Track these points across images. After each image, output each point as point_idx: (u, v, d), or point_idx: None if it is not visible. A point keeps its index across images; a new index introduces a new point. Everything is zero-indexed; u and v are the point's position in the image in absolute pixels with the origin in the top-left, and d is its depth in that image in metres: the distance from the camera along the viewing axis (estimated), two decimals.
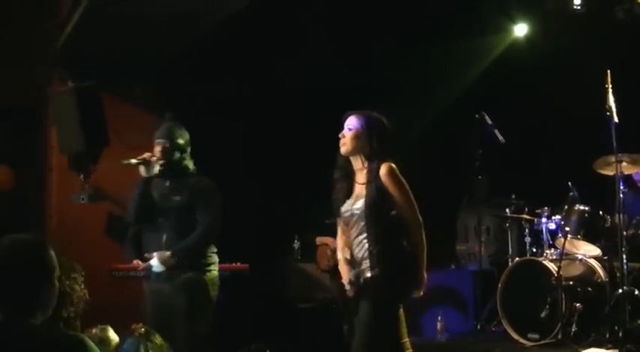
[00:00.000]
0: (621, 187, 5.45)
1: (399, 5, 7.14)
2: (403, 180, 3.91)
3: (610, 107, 5.23)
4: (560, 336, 5.52)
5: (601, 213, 5.96)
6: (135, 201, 4.67)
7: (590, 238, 5.97)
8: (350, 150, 3.98)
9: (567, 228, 5.85)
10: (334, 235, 4.27)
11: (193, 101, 6.69)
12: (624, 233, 5.37)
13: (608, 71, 5.25)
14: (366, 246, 3.88)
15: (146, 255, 4.61)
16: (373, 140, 3.95)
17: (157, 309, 4.63)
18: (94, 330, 3.32)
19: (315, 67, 7.12)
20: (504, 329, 5.90)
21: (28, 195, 6.52)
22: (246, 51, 7.03)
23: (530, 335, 5.70)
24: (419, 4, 7.23)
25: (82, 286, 2.96)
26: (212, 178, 4.74)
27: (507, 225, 6.92)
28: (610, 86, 5.23)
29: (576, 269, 5.94)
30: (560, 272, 5.62)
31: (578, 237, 5.94)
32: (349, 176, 4.03)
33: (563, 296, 5.59)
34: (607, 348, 5.13)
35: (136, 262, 4.68)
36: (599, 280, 5.79)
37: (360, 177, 3.98)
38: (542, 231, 6.26)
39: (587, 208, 5.96)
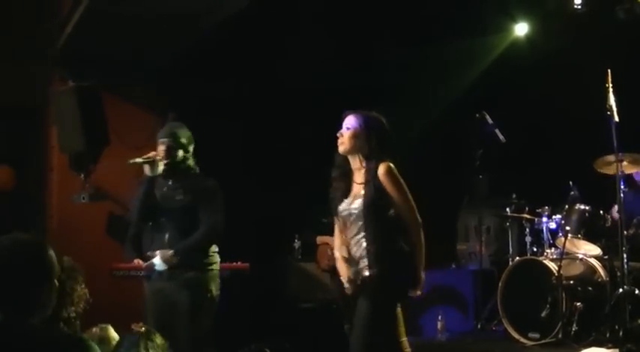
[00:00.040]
0: (622, 187, 5.45)
1: (399, 5, 7.14)
2: (401, 180, 3.92)
3: (610, 106, 5.23)
4: (560, 336, 5.52)
5: (601, 212, 5.97)
6: (139, 200, 4.67)
7: (590, 237, 5.97)
8: (348, 150, 3.99)
9: (568, 228, 5.85)
10: (334, 234, 4.28)
11: (193, 101, 6.70)
12: (625, 232, 5.37)
13: (609, 71, 5.25)
14: (364, 244, 3.89)
15: (149, 253, 4.62)
16: (371, 140, 3.95)
17: (158, 309, 4.64)
18: (93, 329, 3.32)
19: (315, 66, 7.13)
20: (505, 329, 5.90)
21: (28, 194, 6.52)
22: (246, 51, 7.03)
23: (530, 335, 5.70)
24: (419, 4, 7.23)
25: (83, 286, 2.95)
26: (212, 178, 4.75)
27: (508, 224, 6.92)
28: (611, 85, 5.23)
29: (577, 269, 5.94)
30: (561, 272, 5.62)
31: (579, 236, 5.94)
32: (347, 175, 4.04)
33: (564, 295, 5.59)
34: (607, 348, 5.12)
35: (137, 261, 4.68)
36: (599, 279, 5.79)
37: (358, 176, 3.99)
38: (542, 230, 6.25)
39: (587, 208, 5.96)
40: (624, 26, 6.34)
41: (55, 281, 2.37)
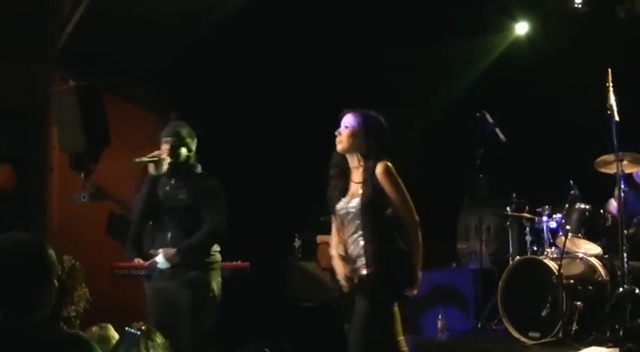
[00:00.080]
0: (622, 186, 5.45)
1: (398, 5, 7.14)
2: (399, 179, 3.92)
3: (611, 106, 5.23)
4: (560, 335, 5.51)
5: (602, 211, 5.97)
6: (142, 199, 4.69)
7: (590, 237, 5.96)
8: (346, 148, 3.99)
9: (568, 227, 5.85)
10: (332, 233, 4.28)
11: (194, 101, 6.70)
12: (625, 232, 5.36)
13: (609, 70, 5.25)
14: (361, 243, 3.90)
15: (151, 251, 4.63)
16: (370, 138, 3.96)
17: (160, 308, 4.65)
18: (93, 328, 3.33)
19: (315, 66, 7.13)
20: (505, 328, 5.90)
21: (29, 194, 6.52)
22: (246, 51, 7.04)
23: (531, 334, 5.70)
24: (419, 4, 7.23)
25: (83, 285, 2.96)
26: (215, 178, 4.77)
27: (508, 223, 6.92)
28: (611, 85, 5.23)
29: (577, 268, 5.93)
30: (561, 271, 5.62)
31: (579, 235, 5.93)
32: (345, 174, 4.05)
33: (564, 294, 5.59)
34: (608, 347, 5.12)
35: (137, 261, 4.69)
36: (599, 279, 5.79)
37: (356, 175, 3.99)
38: (542, 229, 6.25)
39: (587, 207, 5.95)
40: (624, 26, 6.34)
41: (55, 280, 2.37)
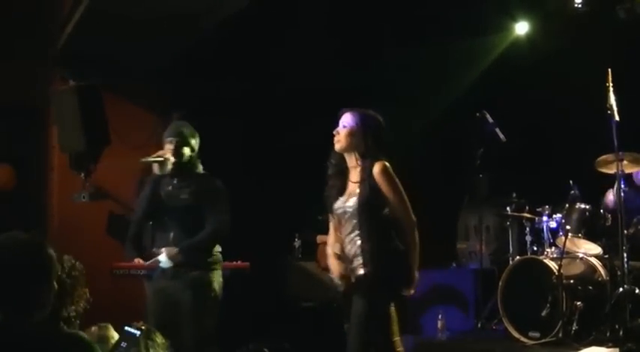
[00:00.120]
0: (622, 186, 5.45)
1: (399, 5, 7.14)
2: (396, 179, 3.92)
3: (611, 106, 5.23)
4: (560, 335, 5.51)
5: (602, 211, 5.97)
6: (146, 198, 4.70)
7: (590, 237, 5.97)
8: (344, 148, 4.00)
9: (568, 227, 5.85)
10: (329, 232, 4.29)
11: (194, 100, 6.70)
12: (625, 231, 5.37)
13: (609, 70, 5.25)
14: (358, 243, 3.91)
15: (154, 250, 4.64)
16: (368, 138, 3.96)
17: (161, 308, 4.65)
18: (92, 328, 3.33)
19: (316, 66, 7.13)
20: (505, 328, 5.90)
21: (29, 194, 6.52)
22: (246, 50, 7.04)
23: (531, 334, 5.70)
24: (419, 4, 7.23)
25: (83, 285, 2.96)
26: (217, 178, 4.77)
27: (508, 223, 6.92)
28: (611, 85, 5.23)
29: (577, 268, 5.93)
30: (561, 271, 5.62)
31: (579, 235, 5.94)
32: (343, 173, 4.05)
33: (564, 294, 5.58)
34: (608, 347, 5.12)
35: (137, 261, 4.69)
36: (599, 279, 5.79)
37: (354, 174, 4.00)
38: (542, 229, 6.25)
39: (588, 207, 5.96)
40: (624, 26, 6.34)
41: (54, 280, 2.37)
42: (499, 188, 7.14)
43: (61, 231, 6.40)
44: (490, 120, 6.59)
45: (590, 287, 5.77)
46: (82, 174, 5.98)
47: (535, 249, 6.35)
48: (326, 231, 5.72)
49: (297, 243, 7.13)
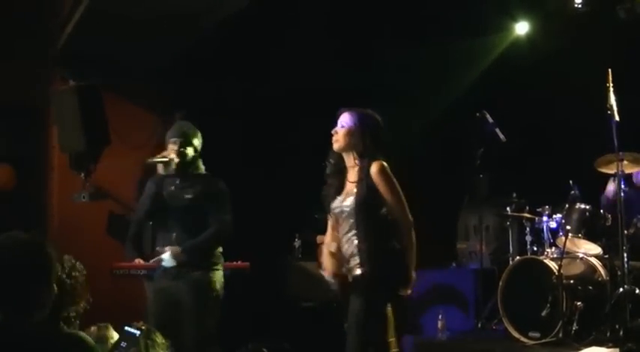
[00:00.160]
0: (622, 186, 5.45)
1: (399, 5, 7.14)
2: (394, 179, 3.93)
3: (611, 106, 5.24)
4: (561, 335, 5.51)
5: (602, 211, 5.97)
6: (149, 198, 4.71)
7: (591, 237, 5.96)
8: (342, 147, 4.00)
9: (568, 227, 5.85)
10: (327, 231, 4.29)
11: (194, 100, 6.70)
12: (625, 232, 5.37)
13: (609, 70, 5.25)
14: (355, 242, 3.91)
15: (158, 248, 4.65)
16: (366, 137, 3.97)
17: (162, 308, 4.65)
18: (92, 328, 3.33)
19: (316, 66, 7.13)
20: (505, 328, 5.90)
21: (29, 194, 6.52)
22: (246, 50, 7.04)
23: (531, 334, 5.70)
24: (419, 4, 7.23)
25: (83, 285, 2.96)
26: (220, 179, 4.78)
27: (508, 223, 6.92)
28: (611, 85, 5.23)
29: (577, 268, 5.93)
30: (561, 271, 5.62)
31: (579, 235, 5.93)
32: (341, 172, 4.06)
33: (564, 294, 5.58)
34: (608, 347, 5.13)
35: (138, 261, 4.69)
36: (599, 279, 5.79)
37: (352, 174, 4.00)
38: (543, 229, 6.25)
39: (588, 207, 5.95)
40: (624, 26, 6.34)
41: (54, 281, 2.37)
42: (499, 188, 7.14)
43: (61, 231, 6.40)
44: (490, 120, 6.59)
45: (590, 288, 5.77)
46: (82, 174, 5.97)
47: (535, 249, 6.35)
48: (326, 231, 5.73)
49: (297, 243, 7.13)
